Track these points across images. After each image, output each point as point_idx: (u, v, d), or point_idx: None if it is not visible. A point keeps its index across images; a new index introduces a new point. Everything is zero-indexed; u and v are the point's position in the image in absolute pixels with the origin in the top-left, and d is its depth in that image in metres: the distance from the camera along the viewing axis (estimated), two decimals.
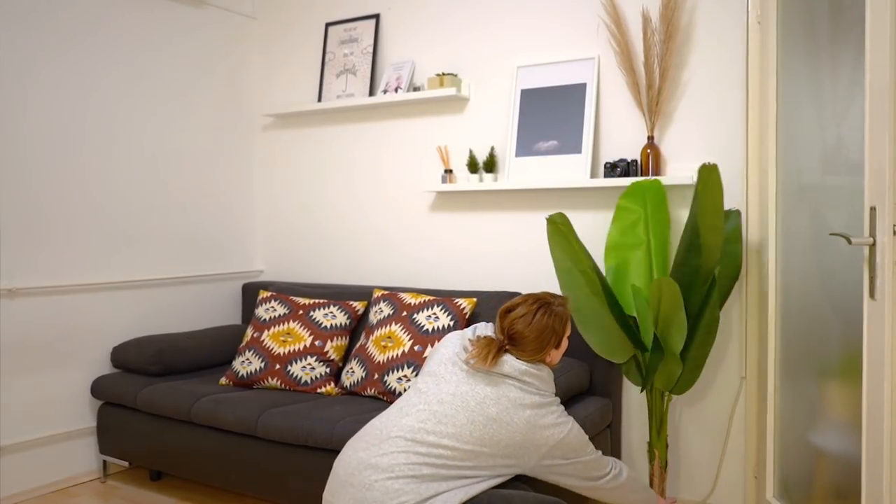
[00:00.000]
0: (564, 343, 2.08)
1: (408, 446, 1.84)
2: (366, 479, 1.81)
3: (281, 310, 3.12)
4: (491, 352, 1.95)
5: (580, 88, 2.93)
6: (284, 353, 2.96)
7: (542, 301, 2.04)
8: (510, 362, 1.95)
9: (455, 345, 2.05)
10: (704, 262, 2.31)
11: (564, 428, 1.95)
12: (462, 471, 1.86)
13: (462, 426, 1.87)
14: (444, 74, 3.18)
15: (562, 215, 2.37)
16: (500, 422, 1.88)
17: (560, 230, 2.37)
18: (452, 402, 1.90)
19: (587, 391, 2.77)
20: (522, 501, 1.85)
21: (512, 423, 1.88)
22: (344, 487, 1.85)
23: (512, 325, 2.00)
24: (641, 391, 2.51)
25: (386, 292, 3.03)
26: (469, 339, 2.04)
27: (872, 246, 1.72)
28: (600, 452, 2.06)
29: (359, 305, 3.12)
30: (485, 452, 1.87)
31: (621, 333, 2.38)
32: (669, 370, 2.35)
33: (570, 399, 2.66)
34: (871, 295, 1.73)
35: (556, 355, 2.07)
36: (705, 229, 2.25)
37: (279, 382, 2.93)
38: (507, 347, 2.00)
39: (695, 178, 2.68)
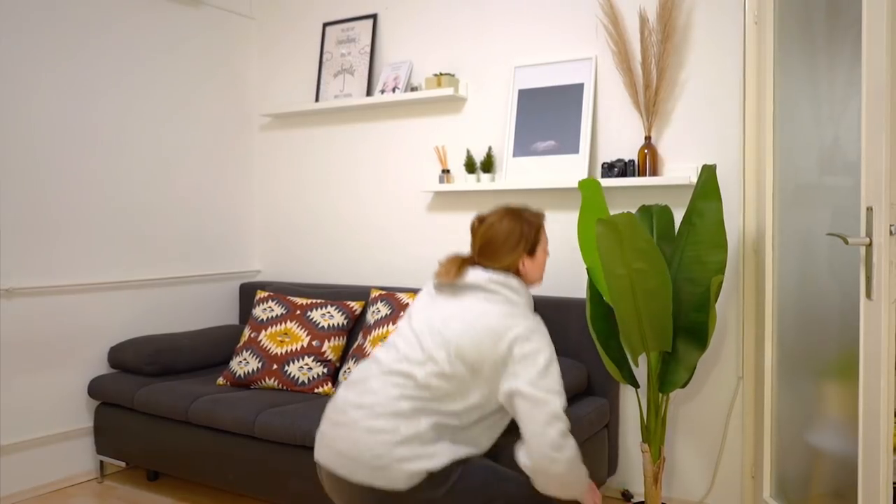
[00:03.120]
0: (540, 256, 1.94)
1: (385, 380, 1.79)
2: (350, 417, 1.77)
3: (278, 310, 3.11)
4: (456, 264, 1.87)
5: (578, 89, 2.93)
6: (282, 354, 2.95)
7: (511, 209, 1.95)
8: (476, 272, 1.86)
9: (429, 283, 2.00)
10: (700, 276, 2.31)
11: (536, 345, 1.76)
12: (439, 403, 1.77)
13: (430, 350, 1.78)
14: (441, 74, 3.18)
15: (628, 215, 2.11)
16: (466, 335, 1.77)
17: (619, 231, 2.11)
18: (421, 330, 1.84)
19: (585, 391, 2.77)
20: (517, 485, 1.82)
21: (477, 335, 1.77)
22: (334, 428, 1.80)
23: (480, 234, 1.91)
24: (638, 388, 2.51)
25: (383, 292, 3.03)
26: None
27: (869, 246, 1.72)
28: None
29: (356, 305, 3.12)
30: (457, 376, 1.77)
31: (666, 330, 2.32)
32: (681, 370, 2.37)
33: (568, 399, 2.66)
34: (868, 295, 1.73)
35: (531, 267, 1.92)
36: (704, 247, 2.27)
37: (276, 382, 2.93)
38: (475, 260, 1.91)
39: (692, 179, 2.69)
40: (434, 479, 1.73)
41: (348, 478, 1.74)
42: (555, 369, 1.76)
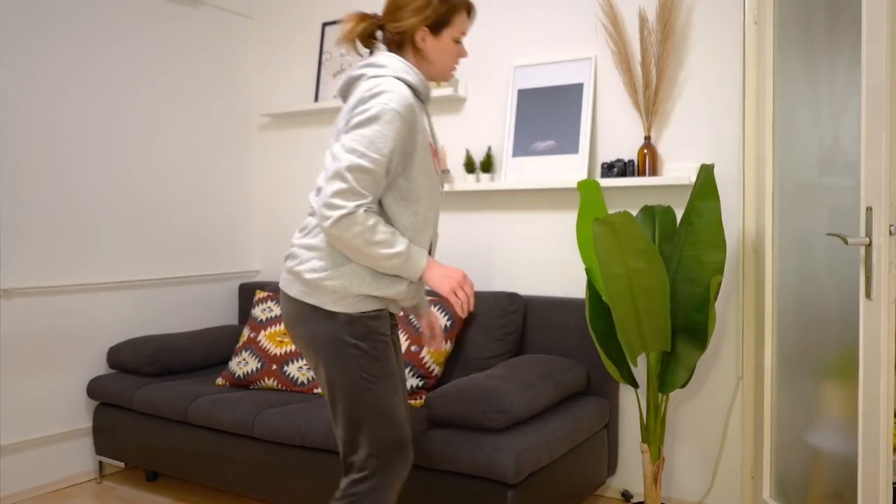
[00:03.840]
0: (447, 42, 1.80)
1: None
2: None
3: (277, 310, 3.11)
4: (355, 20, 1.80)
5: (577, 88, 2.93)
6: (281, 354, 2.95)
7: None
8: (365, 54, 1.80)
9: None
10: (700, 275, 2.31)
11: (368, 105, 1.67)
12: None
13: (326, 162, 1.77)
14: None
15: (625, 215, 2.10)
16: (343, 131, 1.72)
17: (616, 231, 2.09)
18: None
19: (585, 391, 2.77)
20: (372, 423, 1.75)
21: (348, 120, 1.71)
22: None
23: None
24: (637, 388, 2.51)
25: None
26: None
27: (869, 246, 1.72)
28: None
29: None
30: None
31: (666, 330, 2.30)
32: (680, 369, 2.36)
33: (567, 399, 2.66)
34: (868, 295, 1.73)
35: (433, 48, 1.80)
36: (703, 246, 2.26)
37: (276, 383, 2.93)
38: (381, 19, 1.81)
39: (692, 179, 2.68)
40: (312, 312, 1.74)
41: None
42: (370, 132, 1.65)
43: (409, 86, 1.77)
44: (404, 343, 2.75)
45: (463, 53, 1.87)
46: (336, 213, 1.63)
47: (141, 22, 3.35)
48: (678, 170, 2.76)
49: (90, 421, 3.18)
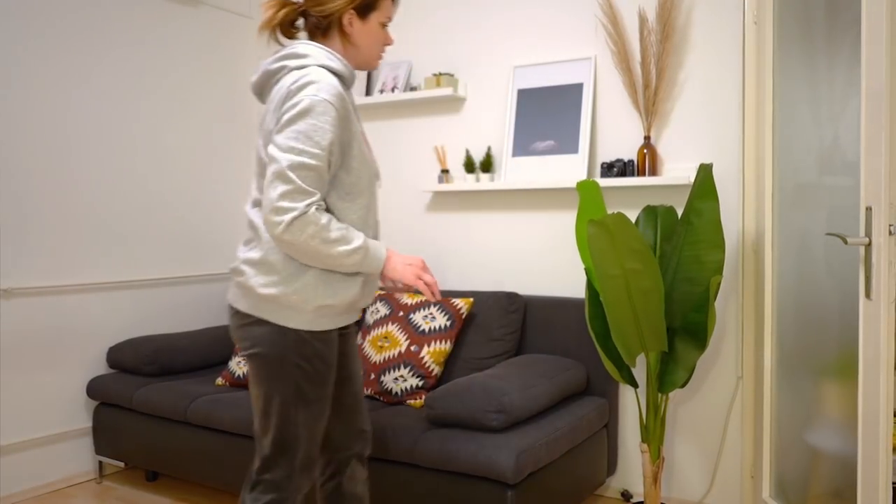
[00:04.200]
0: (374, 27, 1.76)
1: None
2: None
3: None
4: (276, 6, 1.73)
5: (577, 88, 2.93)
6: None
7: None
8: (288, 42, 1.73)
9: None
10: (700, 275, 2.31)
11: (298, 99, 1.59)
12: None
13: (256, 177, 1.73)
14: (440, 74, 3.18)
15: (619, 216, 2.07)
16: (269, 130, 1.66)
17: (610, 232, 2.09)
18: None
19: (584, 391, 2.77)
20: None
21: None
22: None
23: None
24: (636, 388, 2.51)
25: (382, 292, 3.03)
26: None
27: (868, 246, 1.72)
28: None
29: None
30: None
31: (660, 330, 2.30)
32: (679, 370, 2.37)
33: (567, 399, 2.66)
34: (867, 295, 1.73)
35: (359, 33, 1.75)
36: (703, 246, 2.27)
37: None
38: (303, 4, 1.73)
39: (692, 179, 2.68)
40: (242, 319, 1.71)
41: None
42: (305, 126, 1.57)
43: (335, 73, 1.71)
44: (404, 343, 2.75)
45: (389, 41, 1.82)
46: (287, 217, 1.54)
47: (141, 22, 3.35)
48: (678, 170, 2.76)
49: (90, 421, 3.18)
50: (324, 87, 1.61)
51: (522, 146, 3.01)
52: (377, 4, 1.75)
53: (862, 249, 1.74)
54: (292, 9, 1.74)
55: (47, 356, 3.02)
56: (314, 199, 1.58)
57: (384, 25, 1.79)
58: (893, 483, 2.16)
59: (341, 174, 1.68)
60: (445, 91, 3.15)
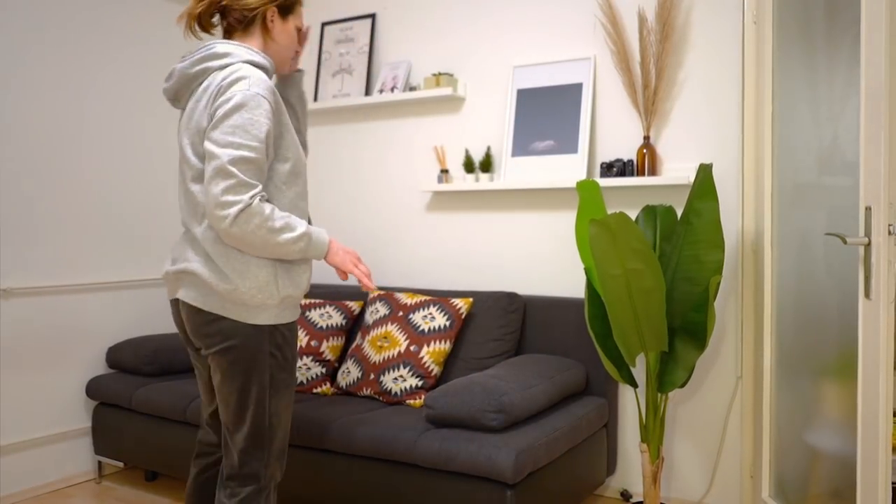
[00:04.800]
0: (291, 28, 1.83)
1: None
2: None
3: None
4: (202, 4, 1.74)
5: (576, 88, 2.93)
6: None
7: None
8: (206, 36, 1.78)
9: None
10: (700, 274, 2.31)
11: (229, 95, 1.61)
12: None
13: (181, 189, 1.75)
14: (440, 74, 3.18)
15: (621, 216, 2.06)
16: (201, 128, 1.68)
17: (612, 231, 2.08)
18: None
19: (584, 391, 2.77)
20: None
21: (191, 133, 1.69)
22: None
23: None
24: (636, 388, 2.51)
25: (382, 292, 3.03)
26: None
27: (868, 246, 1.72)
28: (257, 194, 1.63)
29: (355, 305, 3.11)
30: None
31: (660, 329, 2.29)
32: (679, 369, 2.37)
33: (567, 399, 2.66)
34: (867, 295, 1.73)
35: (280, 32, 1.80)
36: (703, 246, 2.27)
37: None
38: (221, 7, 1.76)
39: (691, 178, 2.68)
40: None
41: None
42: (241, 120, 1.60)
43: (260, 67, 1.75)
44: (403, 343, 2.75)
45: (300, 48, 1.90)
46: (232, 210, 1.57)
47: (139, 22, 3.35)
48: (677, 169, 2.76)
49: (89, 421, 3.18)
50: (255, 81, 1.65)
51: (522, 146, 3.01)
52: (294, 9, 1.84)
53: (861, 249, 1.74)
54: (212, 2, 1.78)
55: (47, 356, 3.02)
56: (256, 190, 1.62)
57: (298, 31, 1.88)
58: (893, 483, 2.16)
59: (277, 165, 1.74)
60: (445, 91, 3.15)
